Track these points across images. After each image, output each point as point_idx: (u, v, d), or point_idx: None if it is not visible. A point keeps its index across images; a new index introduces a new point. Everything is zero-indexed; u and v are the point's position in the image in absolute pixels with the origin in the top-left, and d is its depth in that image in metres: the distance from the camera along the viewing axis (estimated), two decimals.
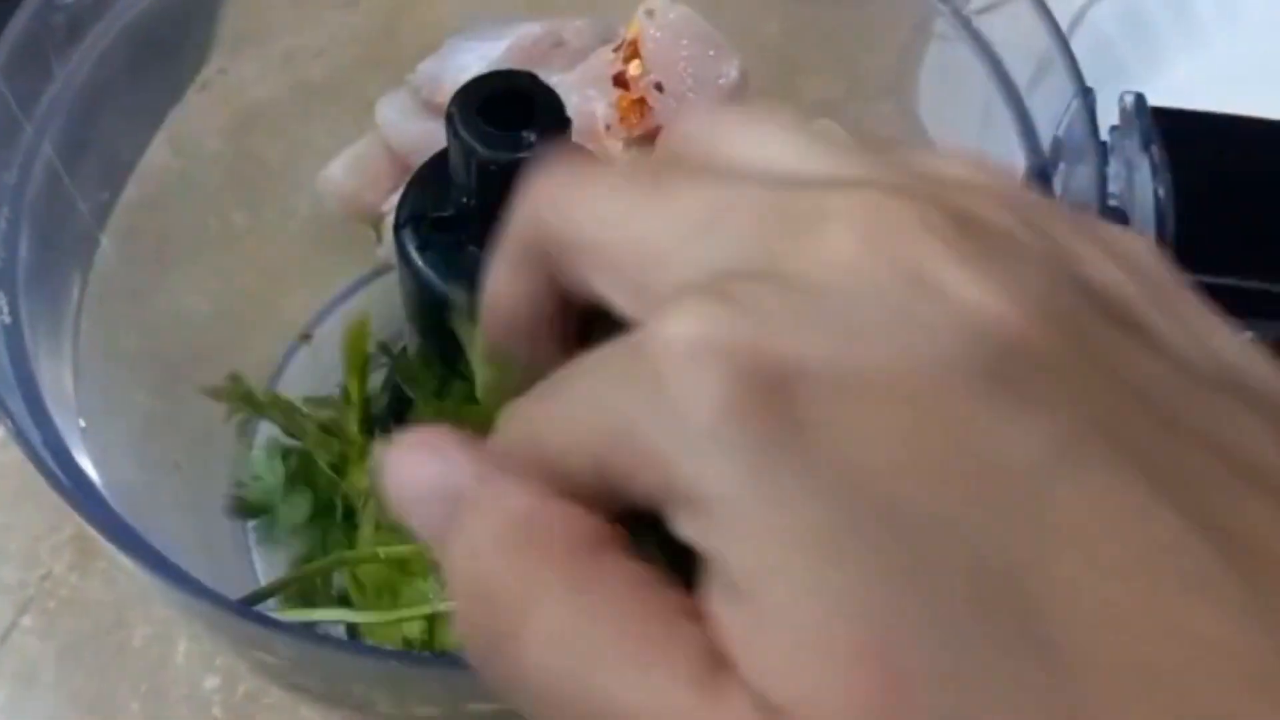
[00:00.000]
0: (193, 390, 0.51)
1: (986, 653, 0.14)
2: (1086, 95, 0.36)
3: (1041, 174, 0.37)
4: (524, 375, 0.23)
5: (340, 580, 0.37)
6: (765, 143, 0.20)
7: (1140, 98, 0.35)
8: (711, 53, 0.45)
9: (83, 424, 0.39)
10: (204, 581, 0.39)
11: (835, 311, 0.17)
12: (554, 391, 0.19)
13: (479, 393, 0.29)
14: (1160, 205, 0.34)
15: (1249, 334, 0.41)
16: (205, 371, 0.52)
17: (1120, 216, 0.34)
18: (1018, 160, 0.38)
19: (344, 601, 0.36)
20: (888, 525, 0.15)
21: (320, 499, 0.38)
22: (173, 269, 0.52)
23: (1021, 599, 0.15)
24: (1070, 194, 0.36)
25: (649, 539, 0.18)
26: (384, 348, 0.42)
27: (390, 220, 0.42)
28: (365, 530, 0.35)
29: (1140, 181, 0.34)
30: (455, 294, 0.35)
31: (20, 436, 0.33)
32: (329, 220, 0.53)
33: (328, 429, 0.38)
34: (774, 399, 0.16)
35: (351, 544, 0.36)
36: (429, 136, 0.44)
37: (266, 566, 0.47)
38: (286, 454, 0.39)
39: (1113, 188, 0.35)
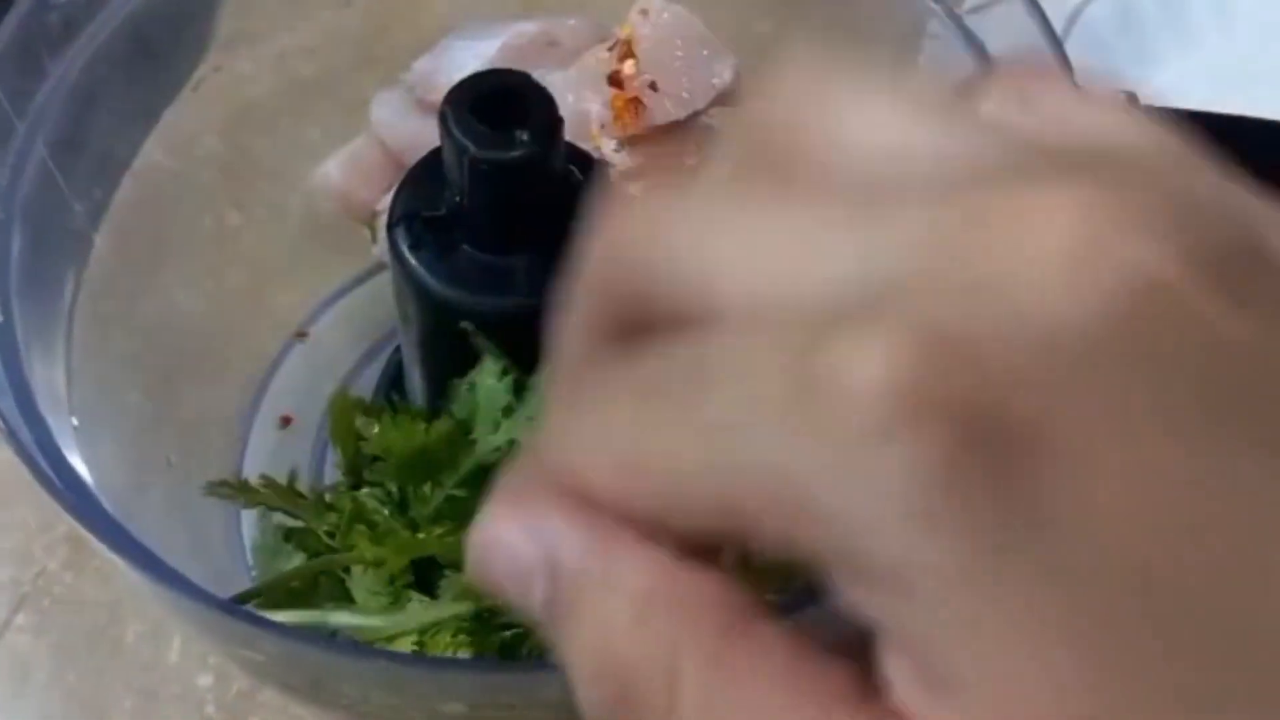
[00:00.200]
0: (187, 388, 0.51)
1: None
2: None
3: None
4: None
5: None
6: (895, 126, 0.16)
7: (1132, 96, 0.35)
8: (705, 52, 0.45)
9: (75, 423, 0.39)
10: (196, 580, 0.39)
11: (1065, 347, 0.13)
12: (672, 431, 0.15)
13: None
14: None
15: None
16: (200, 370, 0.52)
17: None
18: None
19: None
20: (1147, 626, 0.13)
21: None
22: (167, 267, 0.52)
23: None
24: None
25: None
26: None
27: (385, 219, 0.42)
28: (359, 595, 0.35)
29: None
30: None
31: (12, 436, 0.33)
32: (323, 219, 0.53)
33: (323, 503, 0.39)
34: (1002, 465, 0.13)
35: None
36: (423, 135, 0.44)
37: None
38: (289, 534, 0.39)
39: None
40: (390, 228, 0.39)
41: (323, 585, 0.36)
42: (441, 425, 0.36)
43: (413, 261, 0.39)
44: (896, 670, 0.14)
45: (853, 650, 0.15)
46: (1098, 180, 0.14)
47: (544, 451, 0.18)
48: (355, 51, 0.55)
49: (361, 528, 0.35)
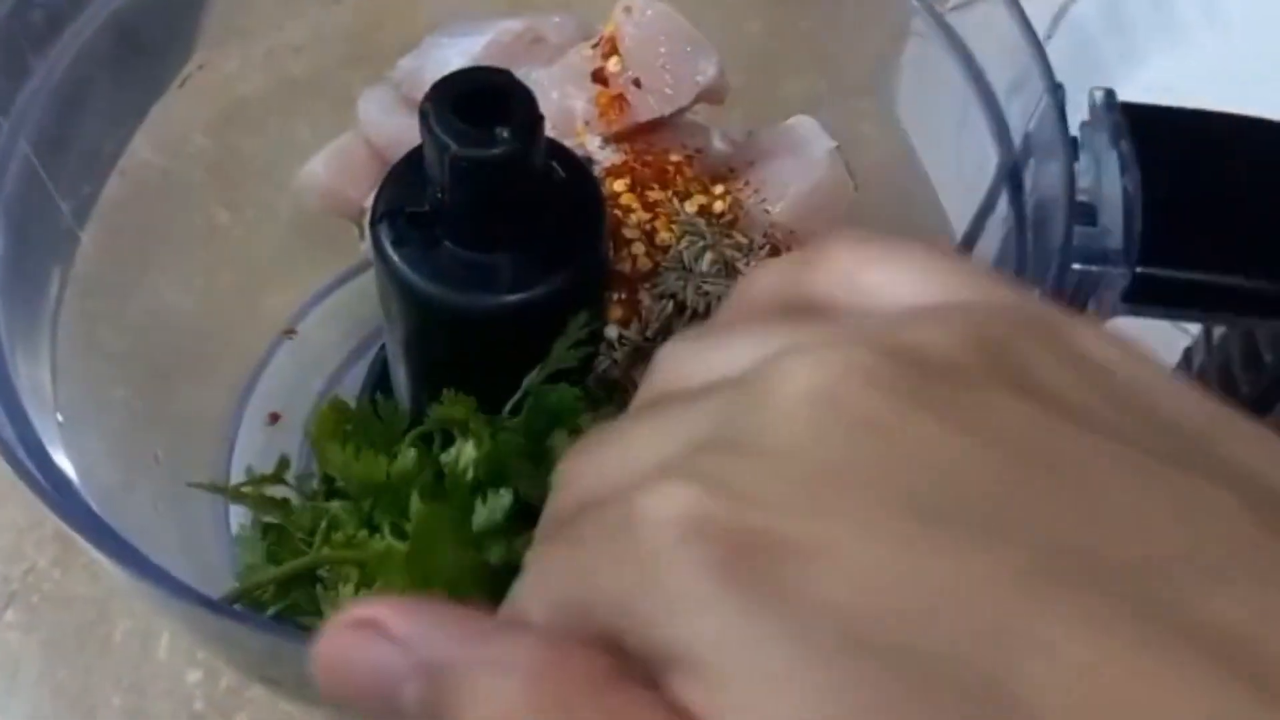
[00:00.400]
0: (175, 385, 0.51)
1: None
2: (1056, 91, 0.36)
3: (1013, 170, 0.37)
4: None
5: None
6: (725, 355, 0.21)
7: (1110, 93, 0.35)
8: (689, 49, 0.45)
9: (60, 420, 0.39)
10: (184, 575, 0.39)
11: (796, 474, 0.18)
12: (542, 567, 0.21)
13: None
14: (1128, 200, 0.34)
15: (1219, 329, 0.41)
16: (188, 367, 0.52)
17: (1089, 211, 0.34)
18: (990, 156, 0.39)
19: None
20: (869, 661, 0.16)
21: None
22: (155, 265, 0.52)
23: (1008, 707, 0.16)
24: (1040, 189, 0.36)
25: None
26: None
27: None
28: (344, 591, 0.35)
29: (1109, 177, 0.35)
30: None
31: None
32: (312, 216, 0.53)
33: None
34: (752, 564, 0.17)
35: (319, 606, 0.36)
36: (409, 132, 0.44)
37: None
38: (266, 530, 0.39)
39: (1082, 183, 0.35)
40: (373, 224, 0.39)
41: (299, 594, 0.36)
42: (404, 460, 0.37)
43: (395, 258, 0.39)
44: None
45: None
46: (839, 342, 0.19)
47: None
48: (345, 49, 0.55)
49: (337, 536, 0.35)
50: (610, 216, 0.43)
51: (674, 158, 0.46)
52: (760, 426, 0.19)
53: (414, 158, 0.39)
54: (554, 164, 0.40)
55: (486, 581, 0.35)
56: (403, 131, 0.48)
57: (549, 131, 0.45)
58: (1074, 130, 0.37)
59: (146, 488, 0.45)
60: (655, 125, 0.46)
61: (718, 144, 0.49)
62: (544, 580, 0.20)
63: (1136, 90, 0.61)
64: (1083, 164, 0.35)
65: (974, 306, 0.20)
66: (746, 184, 0.47)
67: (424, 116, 0.36)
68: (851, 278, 0.22)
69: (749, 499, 0.18)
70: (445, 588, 0.34)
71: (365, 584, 0.35)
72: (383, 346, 0.49)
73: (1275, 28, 0.64)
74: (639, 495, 0.18)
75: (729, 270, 0.43)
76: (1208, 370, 0.42)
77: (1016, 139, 0.38)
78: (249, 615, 0.32)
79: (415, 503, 0.34)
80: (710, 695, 0.17)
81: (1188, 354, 0.44)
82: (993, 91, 0.39)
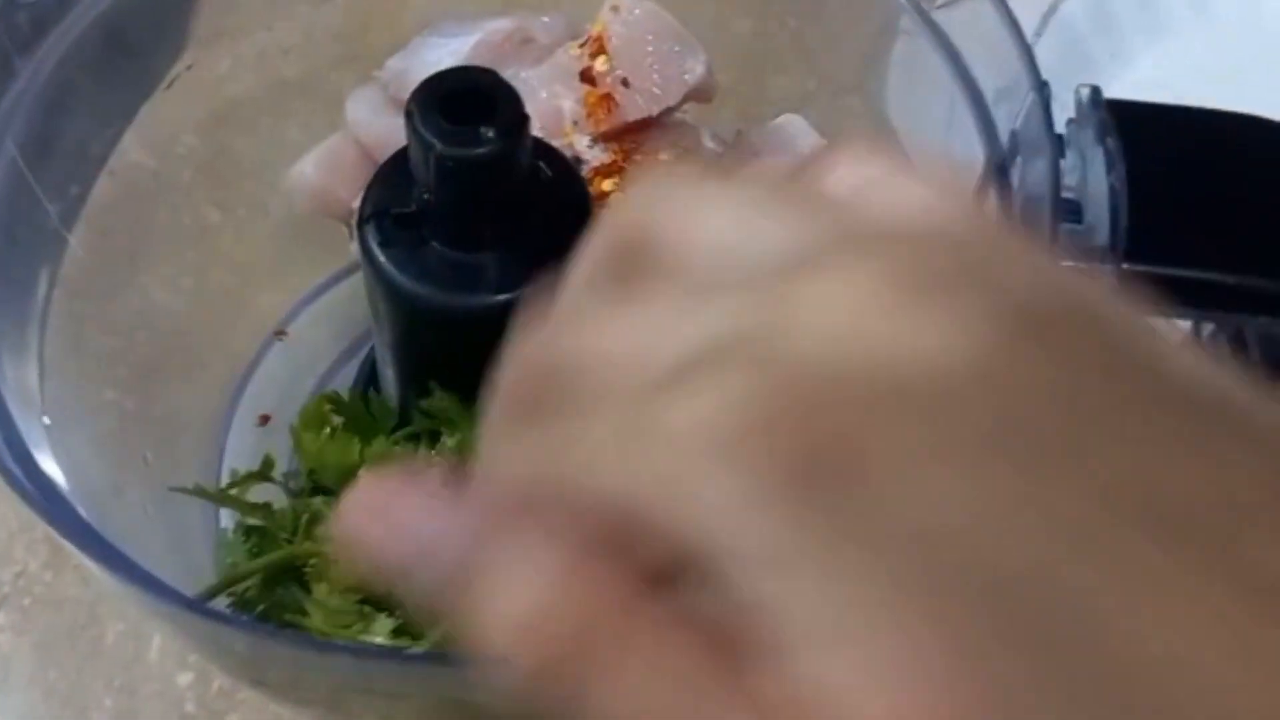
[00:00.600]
0: (165, 387, 0.51)
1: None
2: (1042, 89, 0.36)
3: (1000, 168, 0.37)
4: None
5: None
6: (731, 222, 0.19)
7: (1096, 90, 0.35)
8: (677, 48, 0.45)
9: (47, 421, 0.39)
10: (174, 575, 0.39)
11: (863, 379, 0.16)
12: (514, 454, 0.19)
13: None
14: (1114, 197, 0.34)
15: (1210, 327, 0.41)
16: (178, 368, 0.52)
17: (1074, 209, 0.34)
18: (977, 154, 0.39)
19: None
20: (951, 585, 0.15)
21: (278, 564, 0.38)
22: (146, 266, 0.52)
23: (1100, 656, 0.15)
24: (1027, 187, 0.36)
25: None
26: None
27: None
28: (319, 589, 0.35)
29: (1095, 174, 0.34)
30: None
31: None
32: (303, 217, 0.53)
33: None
34: (822, 472, 0.16)
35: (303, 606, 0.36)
36: (398, 133, 0.44)
37: None
38: (249, 532, 0.39)
39: (1069, 180, 0.35)
40: (360, 225, 0.40)
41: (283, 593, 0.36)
42: (377, 446, 0.37)
43: (382, 259, 0.39)
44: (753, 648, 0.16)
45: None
46: (894, 252, 0.17)
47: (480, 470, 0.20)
48: (336, 49, 0.55)
49: (318, 531, 0.35)
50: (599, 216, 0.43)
51: (663, 157, 0.46)
52: (813, 320, 0.17)
53: (401, 158, 0.40)
54: (540, 164, 0.40)
55: None
56: (391, 132, 0.48)
57: (537, 131, 0.45)
58: (1064, 129, 0.37)
59: (136, 490, 0.45)
60: (644, 125, 0.46)
61: (707, 143, 0.49)
62: (516, 467, 0.19)
63: (1125, 87, 0.62)
64: (1069, 162, 0.35)
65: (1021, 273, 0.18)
66: None
67: (409, 117, 0.36)
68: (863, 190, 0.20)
69: (816, 399, 0.16)
70: None
71: (328, 577, 0.35)
72: (374, 345, 0.49)
73: (1262, 24, 0.64)
74: (673, 384, 0.17)
75: None
76: None
77: (1003, 137, 0.38)
78: (234, 617, 0.32)
79: None
80: (766, 616, 0.16)
81: None
82: (979, 90, 0.39)
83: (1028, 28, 0.62)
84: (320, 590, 0.35)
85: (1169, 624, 0.15)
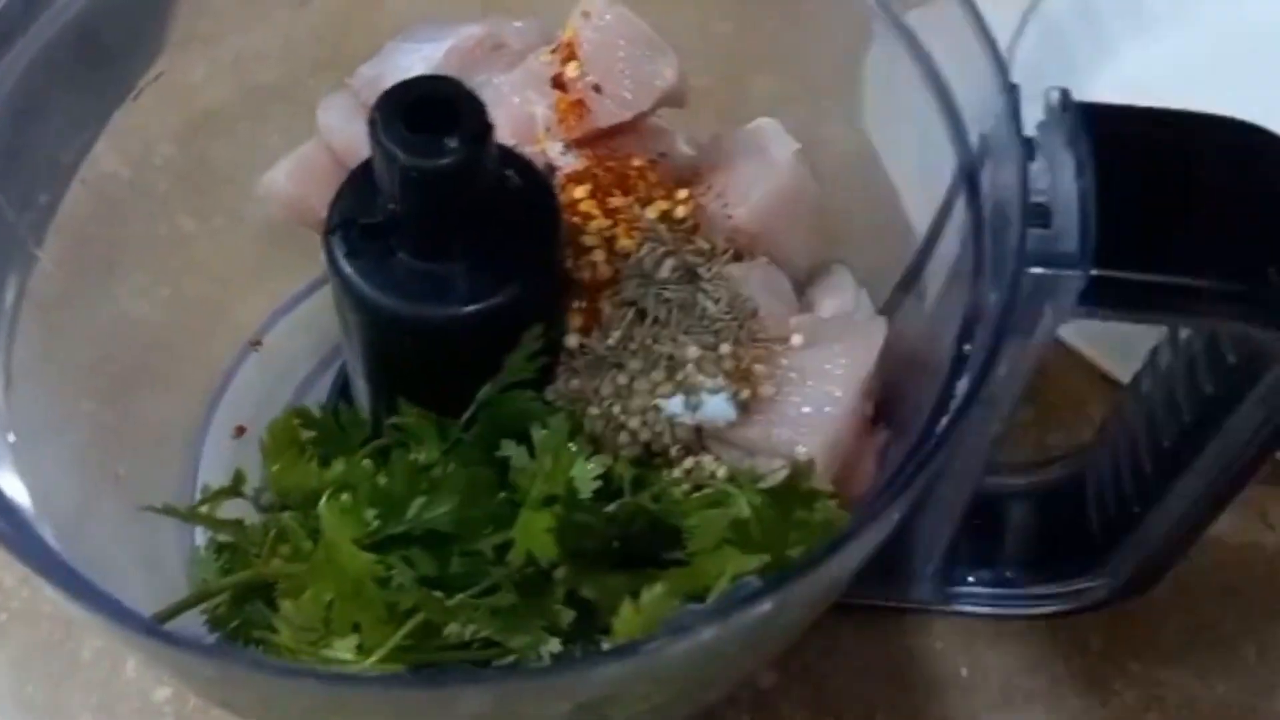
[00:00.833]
0: (139, 399, 0.51)
1: None
2: (1011, 92, 0.35)
3: (969, 172, 0.37)
4: None
5: None
6: None
7: (1065, 93, 0.35)
8: (649, 53, 0.45)
9: (12, 439, 0.39)
10: (146, 595, 0.38)
11: None
12: None
13: None
14: (1084, 202, 0.33)
15: (1185, 332, 0.40)
16: (152, 381, 0.52)
17: (1044, 213, 0.34)
18: (949, 157, 0.38)
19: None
20: None
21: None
22: (120, 276, 0.51)
23: None
24: (997, 191, 0.36)
25: None
26: None
27: None
28: (284, 605, 0.35)
29: (1064, 178, 0.34)
30: None
31: None
32: (279, 225, 0.53)
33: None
34: None
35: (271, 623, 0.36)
36: None
37: None
38: (221, 549, 0.39)
39: (1039, 184, 0.35)
40: (326, 235, 0.39)
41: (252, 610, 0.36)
42: (337, 468, 0.36)
43: (348, 270, 0.38)
44: None
45: None
46: None
47: None
48: (314, 53, 0.54)
49: (284, 549, 0.35)
50: (569, 224, 0.42)
51: (636, 162, 0.45)
52: None
53: (368, 168, 0.39)
54: (508, 172, 0.40)
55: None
56: (364, 140, 0.47)
57: (510, 138, 0.45)
58: (1035, 131, 0.36)
59: (107, 506, 0.44)
60: (618, 130, 0.46)
61: (682, 147, 0.48)
62: None
63: (1107, 83, 0.61)
64: (1039, 165, 0.35)
65: None
66: (710, 188, 0.46)
67: (372, 126, 0.36)
68: None
69: None
70: (349, 591, 0.34)
71: (294, 594, 0.34)
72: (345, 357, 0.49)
73: (1244, 20, 0.64)
74: None
75: (691, 276, 0.42)
76: (1173, 370, 0.41)
77: (974, 141, 0.37)
78: (193, 642, 0.32)
79: (322, 507, 0.34)
80: None
81: (1154, 353, 0.43)
82: (950, 93, 0.38)
83: (1009, 25, 0.61)
84: (287, 607, 0.35)
85: None
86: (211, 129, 0.53)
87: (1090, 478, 0.48)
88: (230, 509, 0.43)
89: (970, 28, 0.36)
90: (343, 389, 0.49)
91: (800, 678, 0.52)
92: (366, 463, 0.38)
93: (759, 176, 0.46)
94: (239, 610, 0.38)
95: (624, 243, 0.43)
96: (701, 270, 0.43)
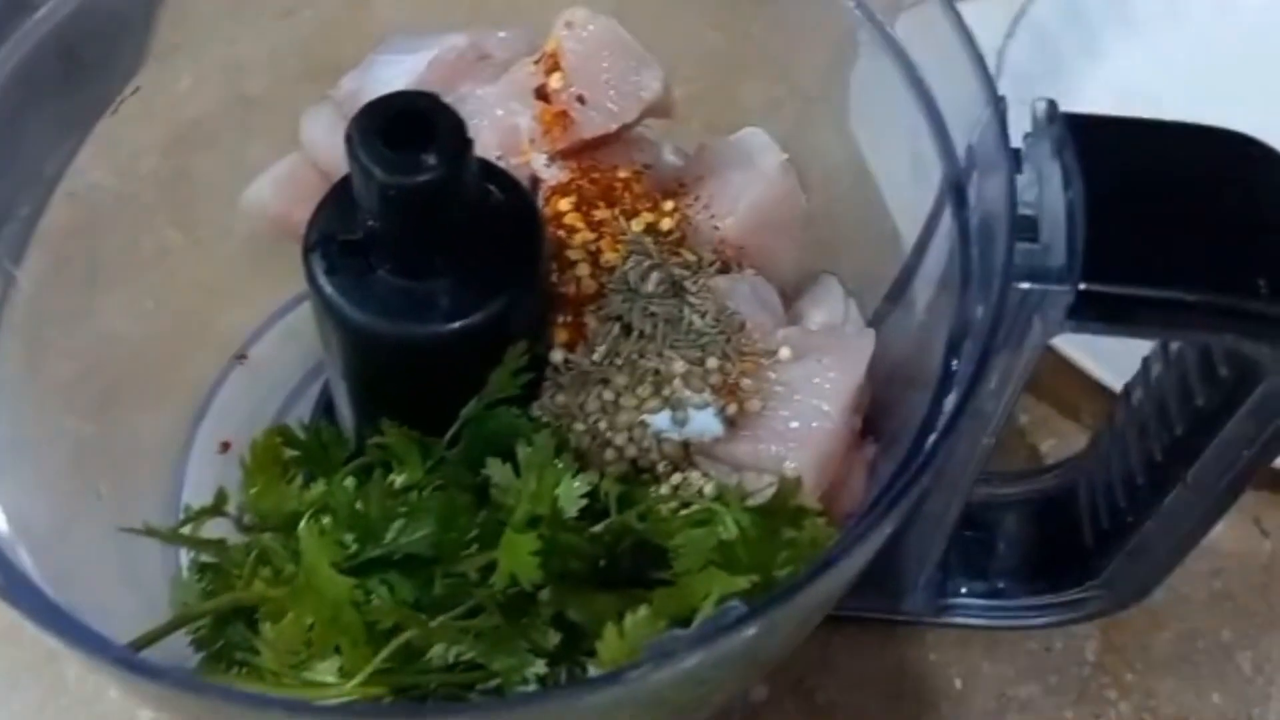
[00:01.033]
0: (122, 415, 0.50)
1: None
2: (998, 103, 0.35)
3: (956, 184, 0.36)
4: None
5: None
6: None
7: (1052, 104, 0.34)
8: (633, 64, 0.44)
9: None
10: (128, 615, 0.38)
11: None
12: None
13: None
14: (1071, 214, 0.33)
15: (1176, 345, 0.40)
16: (136, 396, 0.51)
17: (1031, 226, 0.33)
18: (936, 168, 0.38)
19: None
20: None
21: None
22: (103, 288, 0.51)
23: None
24: (985, 203, 0.35)
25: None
26: None
27: None
28: (265, 629, 0.34)
29: (1051, 190, 0.34)
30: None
31: None
32: (264, 238, 0.52)
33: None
34: None
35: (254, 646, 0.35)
36: None
37: None
38: (203, 570, 0.38)
39: (1026, 196, 0.34)
40: (306, 252, 0.39)
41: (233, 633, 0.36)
42: (316, 490, 0.36)
43: (329, 288, 0.38)
44: None
45: None
46: None
47: None
48: (300, 64, 0.54)
49: (266, 571, 0.35)
50: (554, 238, 0.42)
51: (622, 174, 0.45)
52: None
53: (347, 184, 0.38)
54: (490, 187, 0.39)
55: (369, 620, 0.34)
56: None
57: (495, 150, 0.44)
58: (1022, 142, 0.36)
59: (87, 526, 0.44)
60: (603, 141, 0.45)
61: (668, 158, 0.48)
62: None
63: (1097, 87, 0.61)
64: (1026, 177, 0.34)
65: None
66: (696, 199, 0.46)
67: (348, 142, 0.35)
68: None
69: None
70: (328, 615, 0.33)
71: (275, 618, 0.34)
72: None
73: (1235, 22, 0.64)
74: None
75: (677, 290, 0.42)
76: (1165, 382, 0.41)
77: (961, 152, 0.37)
78: (165, 670, 0.31)
79: (301, 530, 0.34)
80: None
81: (1145, 364, 0.43)
82: (936, 104, 0.38)
83: (999, 29, 0.61)
84: (268, 631, 0.35)
85: None
86: (196, 139, 0.53)
87: (1083, 487, 0.48)
88: (215, 526, 0.42)
89: (957, 38, 0.36)
90: (327, 405, 0.49)
91: (792, 691, 0.51)
92: (349, 482, 0.38)
93: (746, 187, 0.45)
94: (221, 632, 0.38)
95: (609, 256, 0.42)
96: (688, 283, 0.42)
